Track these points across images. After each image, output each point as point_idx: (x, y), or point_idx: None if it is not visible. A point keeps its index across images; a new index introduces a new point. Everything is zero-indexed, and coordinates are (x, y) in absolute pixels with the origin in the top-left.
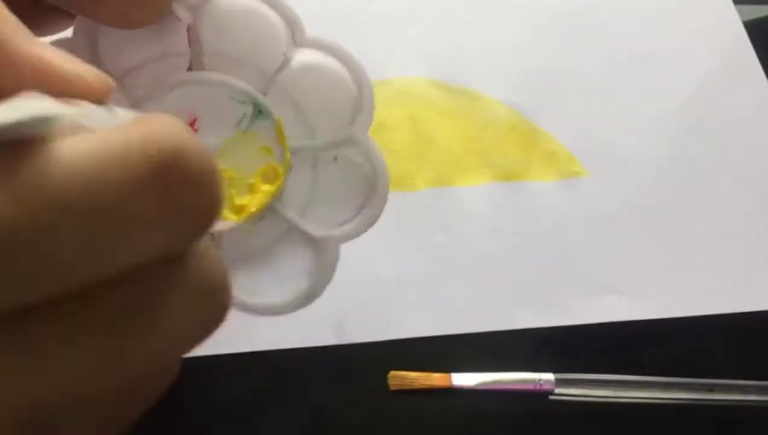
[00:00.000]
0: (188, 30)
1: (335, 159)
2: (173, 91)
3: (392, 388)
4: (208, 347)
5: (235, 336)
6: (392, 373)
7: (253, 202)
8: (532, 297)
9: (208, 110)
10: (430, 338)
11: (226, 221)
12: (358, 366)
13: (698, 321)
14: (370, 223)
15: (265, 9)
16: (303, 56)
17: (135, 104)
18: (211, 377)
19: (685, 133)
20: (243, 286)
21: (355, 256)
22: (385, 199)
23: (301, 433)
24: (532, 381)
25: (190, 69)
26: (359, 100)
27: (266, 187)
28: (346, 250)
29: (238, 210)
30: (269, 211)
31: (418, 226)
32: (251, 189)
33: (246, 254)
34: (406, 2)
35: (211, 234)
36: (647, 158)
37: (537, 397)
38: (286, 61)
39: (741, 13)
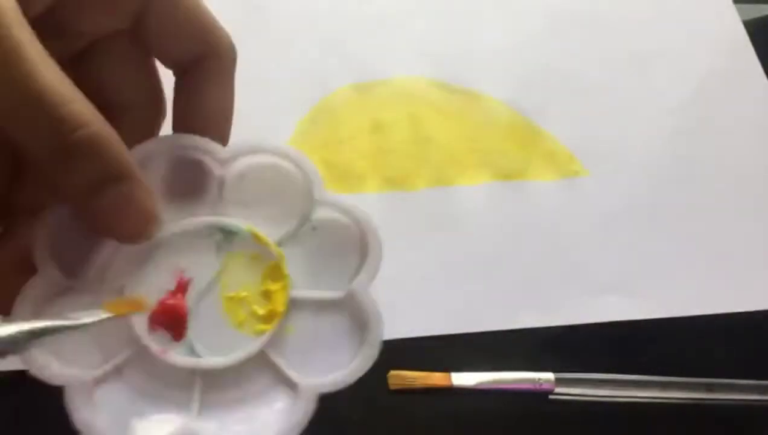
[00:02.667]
0: (213, 180)
1: (335, 306)
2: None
3: (392, 387)
4: None
5: None
6: (392, 372)
7: (275, 304)
8: (532, 297)
9: (190, 258)
10: (430, 338)
11: (263, 334)
12: None
13: (698, 321)
14: (355, 374)
15: (288, 165)
16: (318, 213)
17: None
18: None
19: (685, 133)
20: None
21: None
22: (372, 354)
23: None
24: (532, 380)
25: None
26: (366, 255)
27: (277, 285)
28: None
29: (267, 319)
30: (260, 356)
31: (418, 226)
32: (266, 295)
33: (228, 398)
34: (406, 2)
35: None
36: (647, 158)
37: (537, 396)
38: (303, 217)
39: (741, 13)
